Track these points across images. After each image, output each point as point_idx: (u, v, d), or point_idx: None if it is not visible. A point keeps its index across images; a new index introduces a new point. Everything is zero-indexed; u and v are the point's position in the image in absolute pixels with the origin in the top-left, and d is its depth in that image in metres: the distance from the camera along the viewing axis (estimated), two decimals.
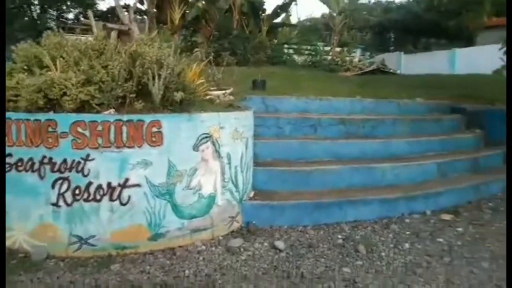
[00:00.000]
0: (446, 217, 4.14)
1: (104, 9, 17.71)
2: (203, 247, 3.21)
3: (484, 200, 4.80)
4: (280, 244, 3.25)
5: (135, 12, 12.29)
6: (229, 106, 4.14)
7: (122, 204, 3.05)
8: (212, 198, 3.42)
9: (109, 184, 3.02)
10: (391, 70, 16.20)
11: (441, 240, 3.51)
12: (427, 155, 5.12)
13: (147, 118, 3.08)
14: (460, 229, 3.81)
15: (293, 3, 16.39)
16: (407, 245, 3.34)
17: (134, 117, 3.06)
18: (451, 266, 3.00)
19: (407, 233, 3.64)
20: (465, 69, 14.97)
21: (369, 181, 4.36)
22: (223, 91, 4.54)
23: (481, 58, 13.41)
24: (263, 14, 14.84)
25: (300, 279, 2.75)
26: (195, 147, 3.24)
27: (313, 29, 25.26)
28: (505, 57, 8.84)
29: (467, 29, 5.53)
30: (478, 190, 4.91)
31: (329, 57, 19.73)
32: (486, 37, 15.40)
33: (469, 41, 18.20)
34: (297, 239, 3.44)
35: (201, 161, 3.29)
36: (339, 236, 3.52)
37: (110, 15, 9.79)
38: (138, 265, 2.89)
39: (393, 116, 5.70)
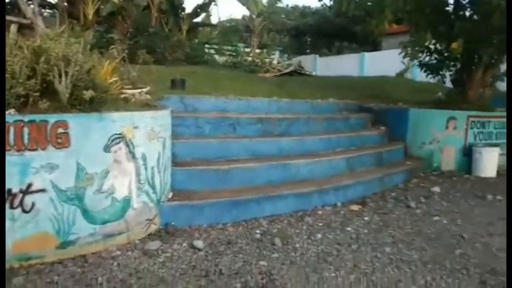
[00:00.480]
0: (355, 207, 4.48)
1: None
2: (118, 252, 3.09)
3: (388, 190, 5.28)
4: (199, 243, 3.24)
5: (43, 6, 11.32)
6: (146, 106, 4.02)
7: (25, 212, 2.81)
8: (127, 201, 3.30)
9: (9, 191, 2.76)
10: (307, 72, 17.01)
11: (349, 229, 3.78)
12: (338, 151, 5.48)
13: (52, 118, 2.87)
14: (366, 218, 4.15)
15: (213, 3, 16.37)
16: (319, 236, 3.55)
17: (37, 117, 2.84)
18: (358, 252, 3.25)
19: (320, 224, 3.87)
20: (372, 71, 16.28)
21: (285, 177, 4.55)
22: (139, 90, 4.40)
23: (386, 62, 14.68)
24: (182, 13, 14.62)
25: (218, 276, 2.78)
26: (107, 148, 3.10)
27: (233, 30, 25.43)
28: (406, 61, 9.78)
29: (372, 35, 6.02)
30: (383, 181, 5.38)
31: (250, 58, 20.08)
32: (390, 43, 16.93)
33: (375, 46, 19.82)
34: (216, 237, 3.46)
35: (114, 163, 3.16)
36: (257, 231, 3.62)
37: (11, 6, 8.89)
38: (45, 276, 2.69)
39: (307, 115, 6.00)
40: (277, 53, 24.70)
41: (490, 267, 3.03)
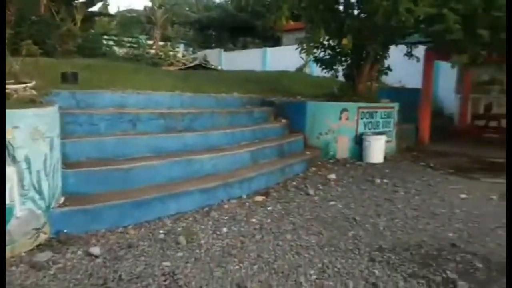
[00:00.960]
0: (259, 198, 4.60)
1: None
2: None
3: (289, 180, 5.52)
4: (95, 250, 3.03)
5: None
6: (30, 102, 3.61)
7: None
8: (8, 210, 2.94)
9: None
10: (213, 66, 16.97)
11: (254, 220, 3.88)
12: (242, 145, 5.57)
13: None
14: (270, 208, 4.29)
15: None
16: (225, 230, 3.57)
17: None
18: (261, 242, 3.34)
19: (226, 218, 3.90)
20: (274, 66, 16.88)
21: (189, 172, 4.48)
22: (23, 85, 3.93)
23: (287, 57, 15.31)
24: (76, 1, 13.47)
25: (117, 282, 2.63)
26: None
27: (134, 21, 24.26)
28: (304, 57, 10.25)
29: (272, 30, 6.23)
30: (284, 172, 5.61)
31: (153, 51, 19.35)
32: (290, 38, 17.69)
33: (277, 41, 20.56)
34: (116, 241, 3.27)
35: None
36: (161, 231, 3.50)
37: None
38: None
39: (211, 109, 5.98)
40: (181, 47, 24.19)
41: (378, 245, 3.35)
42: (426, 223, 3.89)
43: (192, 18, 23.78)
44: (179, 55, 21.63)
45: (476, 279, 2.77)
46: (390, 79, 12.97)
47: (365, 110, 7.27)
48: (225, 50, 21.55)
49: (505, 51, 6.29)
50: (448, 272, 2.83)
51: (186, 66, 14.78)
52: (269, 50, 19.11)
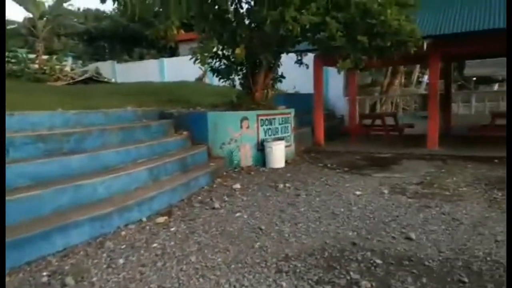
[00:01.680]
0: (161, 219, 4.31)
1: None
2: None
3: (194, 194, 5.31)
4: None
5: None
6: None
7: None
8: None
9: None
10: (106, 79, 15.98)
11: (155, 245, 3.59)
12: (139, 162, 5.20)
13: None
14: (173, 228, 4.03)
15: None
16: (121, 261, 3.22)
17: None
18: (164, 269, 3.08)
19: (123, 247, 3.54)
20: (173, 77, 16.51)
21: (79, 200, 4.00)
22: None
23: (185, 67, 15.05)
24: None
25: None
26: None
27: (13, 34, 21.77)
28: (203, 67, 10.11)
29: (163, 40, 5.99)
30: (188, 186, 5.38)
31: (36, 66, 17.67)
32: (186, 49, 17.42)
33: (174, 52, 20.14)
34: None
35: None
36: (44, 273, 3.03)
37: None
38: None
39: (100, 126, 5.47)
40: (70, 60, 22.40)
41: (284, 253, 3.33)
42: (328, 224, 4.00)
43: (80, 29, 22.11)
44: (67, 68, 20.02)
45: (377, 276, 2.89)
46: (285, 86, 13.57)
47: (264, 118, 7.39)
48: (118, 62, 20.44)
49: (382, 55, 6.97)
50: (351, 273, 2.91)
51: (74, 80, 13.63)
52: (166, 60, 18.64)
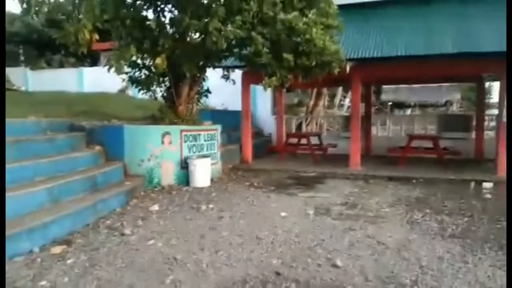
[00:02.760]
0: (57, 249, 3.65)
1: None
2: None
3: (103, 218, 4.68)
4: None
5: None
6: None
7: None
8: None
9: None
10: (14, 87, 14.38)
11: (44, 282, 2.96)
12: (37, 181, 4.48)
13: None
14: (70, 260, 3.41)
15: None
16: None
17: None
18: None
19: None
20: (92, 87, 15.34)
21: None
22: None
23: (107, 78, 14.03)
24: None
25: None
26: None
27: None
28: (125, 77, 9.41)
29: (76, 46, 5.31)
30: (96, 209, 4.73)
31: None
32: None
33: (95, 61, 18.88)
34: None
35: None
36: None
37: None
38: None
39: None
40: None
41: None
42: (251, 251, 3.67)
43: None
44: None
45: None
46: (214, 102, 13.28)
47: (188, 133, 6.95)
48: (31, 69, 18.59)
49: (307, 75, 6.96)
50: None
51: None
52: (86, 70, 17.34)
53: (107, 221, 4.60)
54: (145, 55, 6.51)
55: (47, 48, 20.08)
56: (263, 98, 13.29)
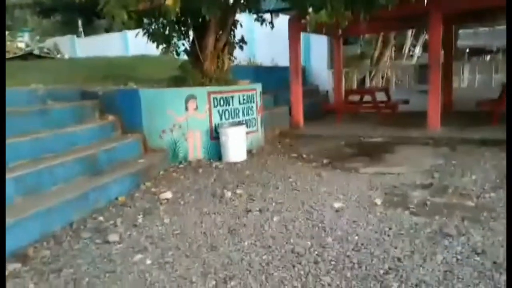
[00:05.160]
0: (11, 266, 2.58)
1: None
2: None
3: (96, 213, 3.57)
4: None
5: None
6: None
7: None
8: None
9: None
10: (50, 55, 13.95)
11: None
12: (8, 168, 3.42)
13: None
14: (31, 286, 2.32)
15: None
16: None
17: None
18: None
19: None
20: (137, 50, 14.47)
21: None
22: None
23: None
24: None
25: None
26: None
27: None
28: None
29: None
30: (88, 201, 3.62)
31: None
32: None
33: (140, 23, 17.97)
34: None
35: None
36: None
37: None
38: None
39: None
40: (26, 35, 20.10)
41: None
42: (280, 281, 2.31)
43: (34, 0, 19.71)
44: (21, 45, 17.84)
45: None
46: (261, 56, 11.72)
47: (218, 96, 5.58)
48: (78, 36, 18.22)
49: (370, 9, 5.16)
50: None
51: (8, 58, 11.60)
52: (130, 33, 16.49)
53: (99, 217, 3.48)
54: None
55: (93, 14, 19.53)
56: (318, 50, 11.45)
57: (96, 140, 4.76)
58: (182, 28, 5.59)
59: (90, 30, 20.92)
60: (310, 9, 4.26)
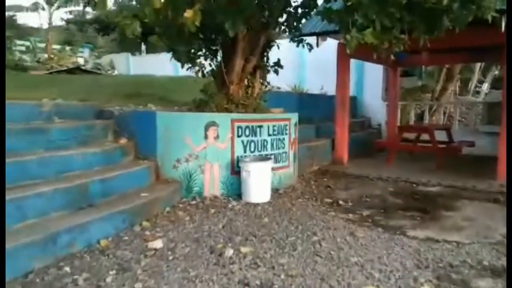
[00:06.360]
0: None
1: None
2: None
3: (65, 261, 2.90)
4: None
5: None
6: None
7: None
8: None
9: None
10: (101, 70, 14.20)
11: None
12: None
13: None
14: None
15: None
16: None
17: None
18: None
19: None
20: (188, 71, 14.37)
21: None
22: None
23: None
24: None
25: None
26: None
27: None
28: None
29: None
30: (56, 245, 2.97)
31: (46, 55, 16.57)
32: None
33: None
34: None
35: None
36: None
37: None
38: None
39: None
40: (86, 51, 21.04)
41: None
42: None
43: (86, 16, 20.60)
44: (80, 60, 18.63)
45: None
46: (311, 84, 10.93)
47: (244, 124, 4.85)
48: (132, 54, 18.62)
49: (432, 31, 4.20)
50: None
51: (54, 70, 11.82)
52: None
53: (65, 267, 2.80)
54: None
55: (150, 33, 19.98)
56: (373, 80, 10.48)
57: (98, 167, 4.18)
58: (211, 47, 4.97)
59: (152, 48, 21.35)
60: (354, 29, 3.41)
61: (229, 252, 3.09)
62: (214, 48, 5.01)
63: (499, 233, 3.70)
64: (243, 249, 3.15)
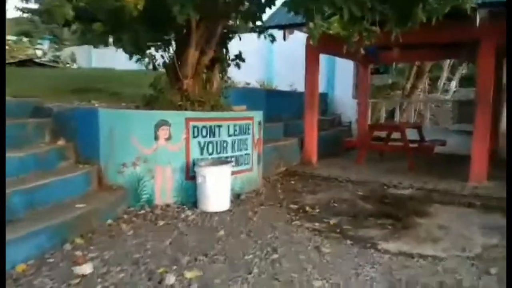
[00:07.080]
0: None
1: None
2: None
3: None
4: None
5: None
6: None
7: None
8: None
9: None
10: (58, 64, 13.33)
11: None
12: None
13: None
14: None
15: None
16: None
17: None
18: None
19: None
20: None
21: None
22: None
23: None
24: None
25: None
26: None
27: None
28: None
29: None
30: None
31: None
32: None
33: None
34: None
35: None
36: None
37: None
38: None
39: None
40: (46, 43, 19.88)
41: None
42: None
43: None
44: (38, 52, 17.52)
45: None
46: (281, 82, 10.51)
47: (200, 124, 4.34)
48: (95, 47, 17.66)
49: (405, 22, 3.82)
50: None
51: (11, 62, 10.89)
52: None
53: None
54: None
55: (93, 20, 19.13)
56: (344, 77, 10.20)
57: (25, 173, 3.58)
58: (164, 37, 4.41)
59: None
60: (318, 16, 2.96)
61: (171, 279, 2.58)
62: (167, 38, 4.45)
63: (476, 244, 3.38)
64: (188, 274, 2.65)
